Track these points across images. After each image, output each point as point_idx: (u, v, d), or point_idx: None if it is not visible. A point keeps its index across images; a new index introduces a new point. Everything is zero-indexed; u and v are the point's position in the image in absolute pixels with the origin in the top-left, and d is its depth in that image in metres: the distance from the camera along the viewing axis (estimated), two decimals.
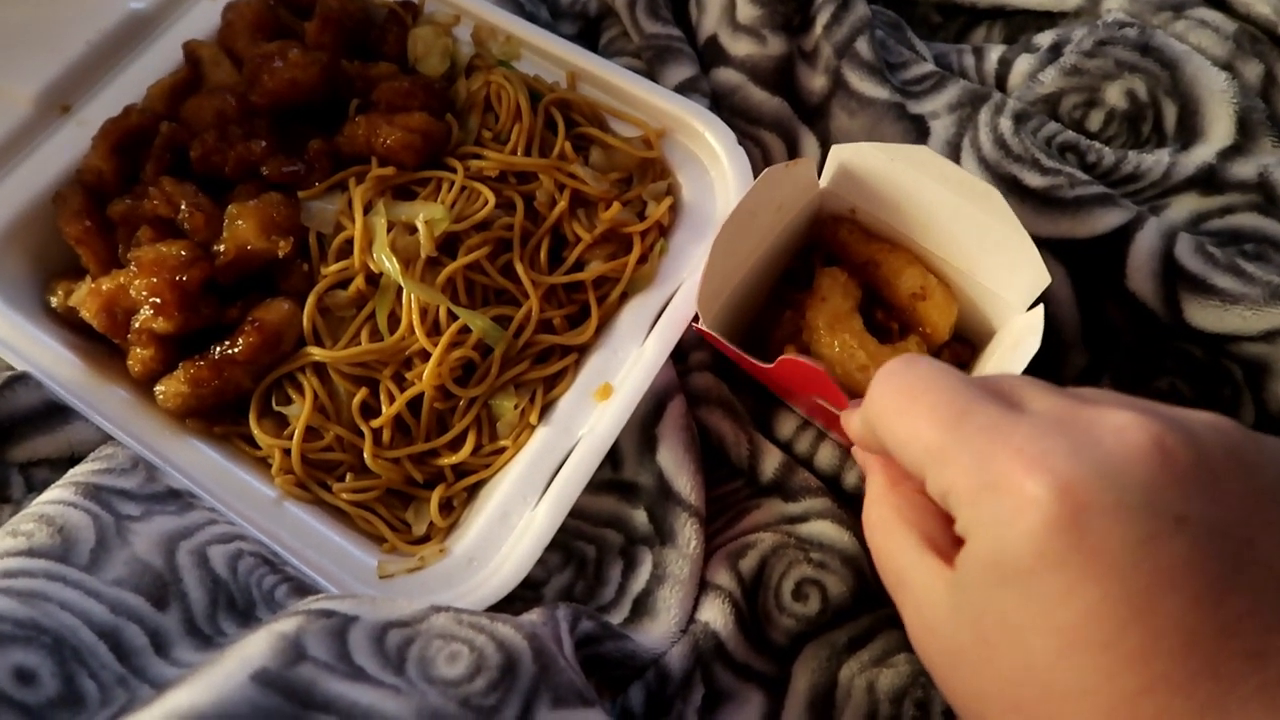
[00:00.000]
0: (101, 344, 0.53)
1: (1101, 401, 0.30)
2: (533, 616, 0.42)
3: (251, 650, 0.32)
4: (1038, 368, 0.45)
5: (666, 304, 0.56)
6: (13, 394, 0.48)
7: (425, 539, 0.52)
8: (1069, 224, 0.54)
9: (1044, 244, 0.55)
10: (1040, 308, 0.48)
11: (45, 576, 0.35)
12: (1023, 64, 0.62)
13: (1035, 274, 0.48)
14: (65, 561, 0.37)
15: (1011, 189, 0.55)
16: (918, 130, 0.58)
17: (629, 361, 0.54)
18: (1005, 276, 0.51)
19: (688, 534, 0.51)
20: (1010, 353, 0.49)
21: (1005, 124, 0.56)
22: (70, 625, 0.34)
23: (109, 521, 0.40)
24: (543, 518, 0.49)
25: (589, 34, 0.71)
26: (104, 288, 0.51)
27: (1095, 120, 0.60)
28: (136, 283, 0.50)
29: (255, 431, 0.51)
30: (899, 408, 0.33)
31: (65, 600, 0.35)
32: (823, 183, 0.54)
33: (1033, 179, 0.55)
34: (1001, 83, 0.63)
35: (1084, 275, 0.55)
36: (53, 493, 0.42)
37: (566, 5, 0.70)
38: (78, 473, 0.44)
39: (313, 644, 0.34)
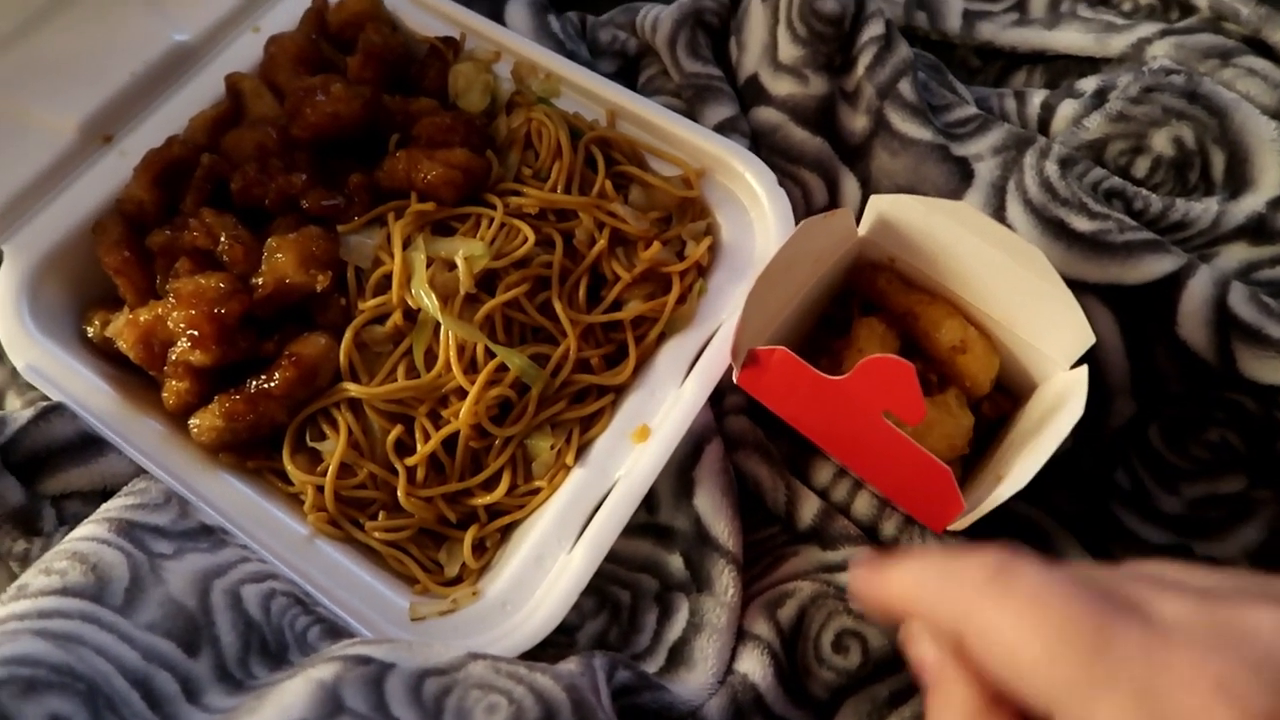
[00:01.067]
0: (136, 375, 0.52)
1: (1231, 595, 0.26)
2: (570, 666, 0.41)
3: (290, 699, 0.31)
4: (1082, 417, 0.44)
5: (705, 345, 0.55)
6: (47, 425, 0.47)
7: (457, 580, 0.51)
8: (1118, 269, 0.53)
9: (1091, 289, 0.54)
10: (1084, 368, 0.47)
11: (80, 618, 0.35)
12: (1066, 109, 0.61)
13: (1079, 333, 0.47)
14: (99, 602, 0.36)
15: (1059, 233, 0.54)
16: (961, 173, 0.58)
17: (667, 403, 0.53)
18: (1047, 333, 0.50)
19: (725, 581, 0.50)
20: (1054, 414, 0.47)
21: (1051, 168, 0.56)
22: (104, 672, 0.33)
23: (142, 560, 0.39)
24: (578, 562, 0.48)
25: (628, 72, 0.71)
26: (141, 319, 0.50)
27: (1141, 167, 0.59)
28: (174, 314, 0.49)
29: (288, 467, 0.50)
30: (1020, 628, 0.27)
31: (99, 645, 0.34)
32: (861, 231, 0.54)
33: (1080, 223, 0.54)
34: (1044, 127, 0.63)
35: (1133, 322, 0.54)
36: (86, 529, 0.41)
37: (606, 43, 0.70)
38: (110, 508, 0.43)
39: (350, 694, 0.33)
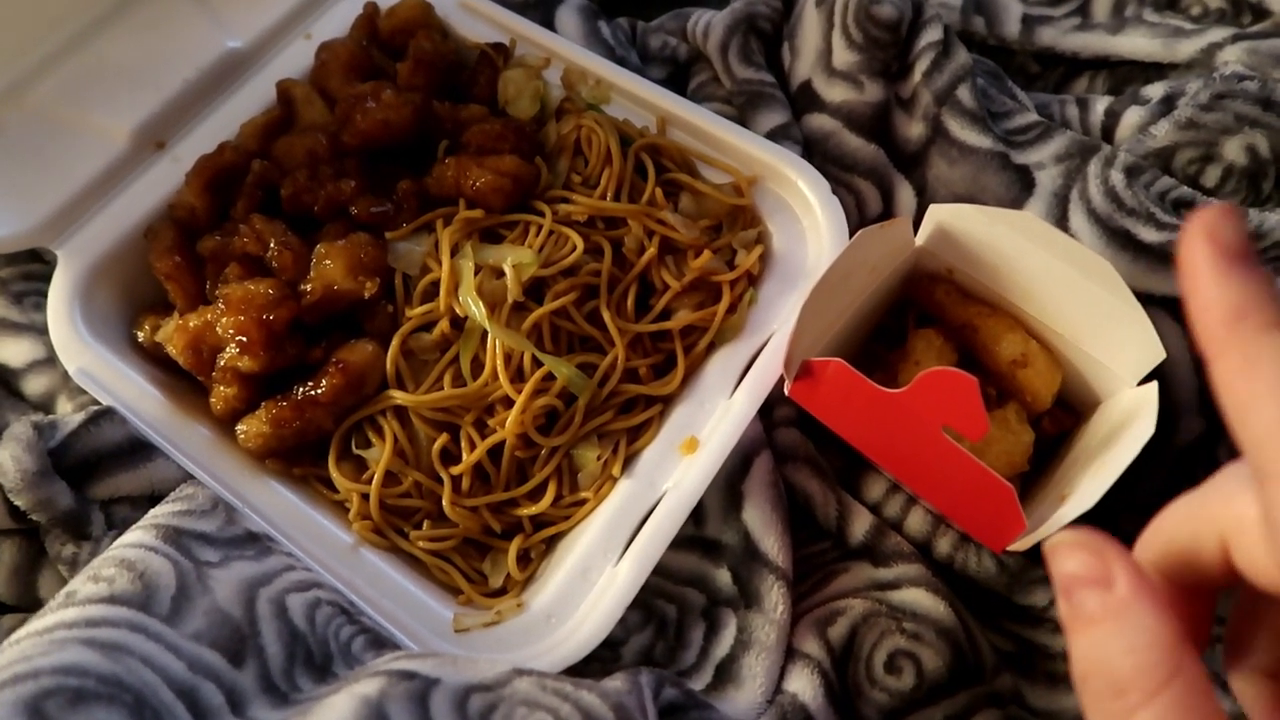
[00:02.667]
0: (185, 380, 0.53)
1: None
2: (616, 683, 0.40)
3: (335, 716, 0.31)
4: None
5: (755, 355, 0.54)
6: (97, 429, 0.47)
7: (502, 591, 0.50)
8: None
9: (1159, 302, 0.52)
10: (1154, 385, 0.45)
11: (128, 627, 0.34)
12: (1132, 116, 0.59)
13: (1148, 349, 0.46)
14: (147, 610, 0.36)
15: (1125, 244, 0.52)
16: (1022, 181, 0.56)
17: (716, 414, 0.52)
18: (1114, 348, 0.48)
19: (774, 598, 0.49)
20: (1121, 431, 0.46)
21: (1117, 177, 0.54)
22: (151, 683, 0.33)
23: (189, 568, 0.39)
24: (625, 575, 0.47)
25: (678, 79, 0.70)
26: (191, 324, 0.50)
27: (1212, 176, 0.57)
28: (223, 320, 0.49)
29: (334, 474, 0.50)
30: None
31: (146, 655, 0.34)
32: (919, 241, 0.52)
33: (1148, 234, 0.52)
34: (1108, 135, 0.61)
35: None
36: (133, 535, 0.41)
37: (656, 49, 0.70)
38: (158, 514, 0.43)
39: (395, 710, 0.33)
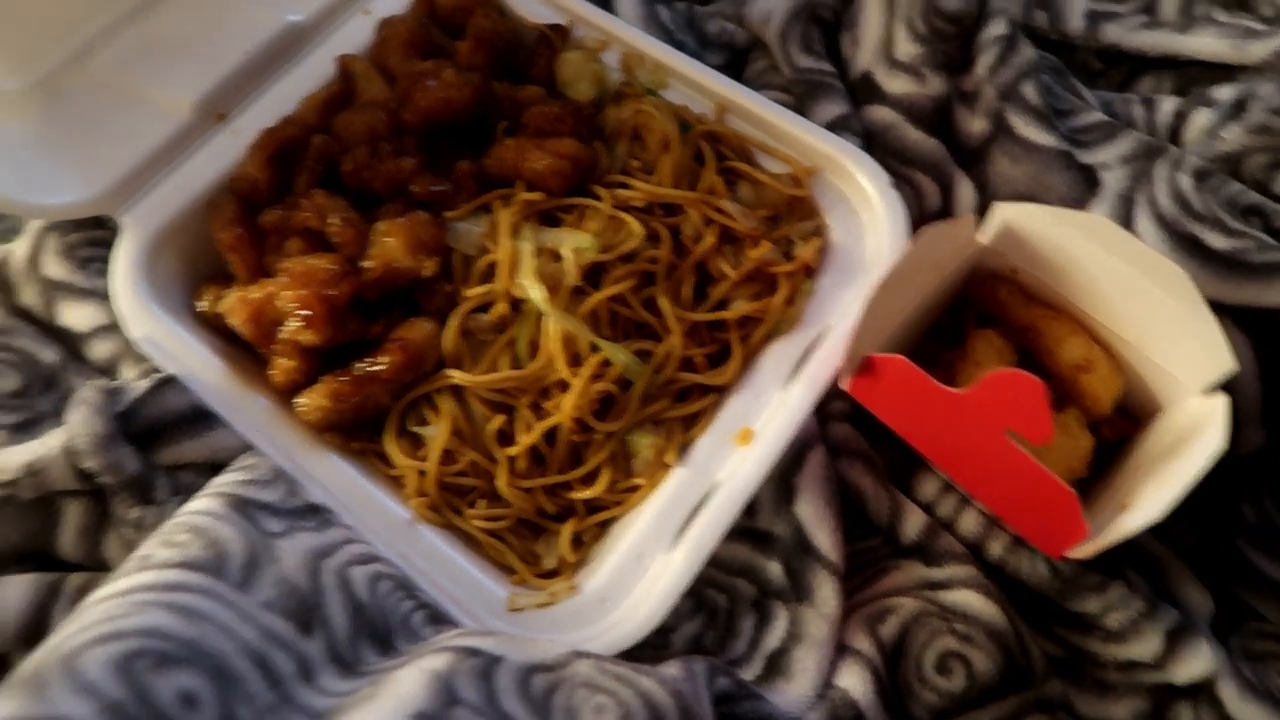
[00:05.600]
0: (243, 351, 0.53)
1: None
2: (673, 670, 0.40)
3: (406, 690, 0.31)
4: None
5: (810, 348, 0.53)
6: (162, 396, 0.48)
7: (555, 573, 0.50)
8: (1255, 291, 0.50)
9: (1225, 310, 0.51)
10: (1224, 397, 0.45)
11: (202, 593, 0.35)
12: (1200, 118, 0.59)
13: (1217, 358, 0.45)
14: (219, 577, 0.36)
15: (1192, 250, 0.52)
16: (1086, 181, 0.55)
17: (771, 406, 0.52)
18: (1181, 356, 0.47)
19: (826, 593, 0.49)
20: (1186, 441, 0.45)
21: (1185, 180, 0.53)
22: (226, 650, 0.33)
23: (257, 537, 0.39)
24: (679, 563, 0.47)
25: (735, 65, 0.69)
26: (252, 296, 0.51)
27: None
28: (285, 293, 0.50)
29: (391, 450, 0.50)
30: None
31: (222, 622, 0.34)
32: (984, 239, 0.52)
33: (1216, 240, 0.51)
34: (1174, 137, 0.60)
35: (1269, 347, 0.51)
36: (200, 503, 0.41)
37: (714, 34, 0.69)
38: (222, 483, 0.43)
39: (463, 686, 0.33)
